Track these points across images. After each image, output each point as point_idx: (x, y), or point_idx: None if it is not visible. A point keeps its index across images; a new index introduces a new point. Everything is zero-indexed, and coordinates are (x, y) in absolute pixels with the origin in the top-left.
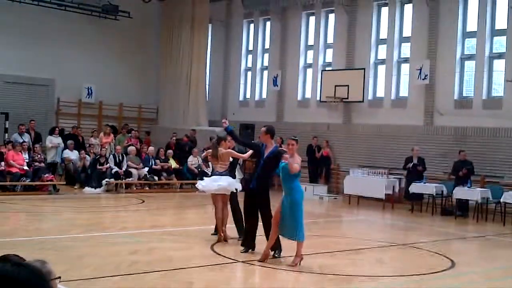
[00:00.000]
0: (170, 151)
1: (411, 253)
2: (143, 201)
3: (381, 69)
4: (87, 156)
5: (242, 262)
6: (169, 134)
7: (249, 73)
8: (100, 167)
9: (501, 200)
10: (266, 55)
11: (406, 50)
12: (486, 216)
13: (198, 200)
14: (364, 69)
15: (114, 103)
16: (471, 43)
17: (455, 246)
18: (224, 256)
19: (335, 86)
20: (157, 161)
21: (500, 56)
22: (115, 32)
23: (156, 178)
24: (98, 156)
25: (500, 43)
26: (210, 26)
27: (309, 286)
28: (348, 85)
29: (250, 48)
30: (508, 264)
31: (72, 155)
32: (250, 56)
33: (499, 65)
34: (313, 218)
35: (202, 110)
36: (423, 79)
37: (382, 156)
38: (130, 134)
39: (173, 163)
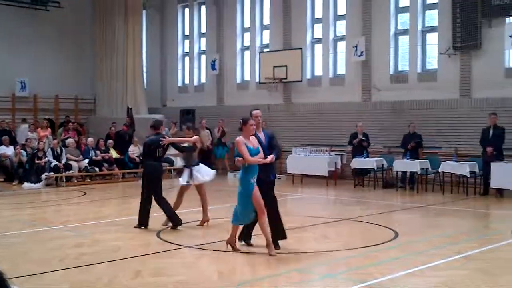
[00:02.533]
0: (110, 141)
1: (356, 227)
2: (85, 193)
3: (318, 48)
4: (22, 151)
5: (189, 247)
6: (108, 124)
7: (187, 58)
8: (39, 161)
9: (440, 170)
10: (203, 40)
11: (341, 28)
12: (426, 187)
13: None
14: (301, 48)
15: (50, 95)
16: (404, 18)
17: (398, 217)
18: (171, 243)
19: (274, 67)
20: (97, 152)
21: (432, 29)
22: (47, 23)
23: (97, 169)
24: (36, 151)
25: (432, 17)
26: (144, 12)
27: (257, 266)
28: (286, 66)
29: (187, 33)
30: (449, 231)
31: (8, 150)
32: (187, 41)
33: (432, 38)
34: None
35: (141, 98)
36: (359, 56)
37: (323, 134)
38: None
39: (114, 153)
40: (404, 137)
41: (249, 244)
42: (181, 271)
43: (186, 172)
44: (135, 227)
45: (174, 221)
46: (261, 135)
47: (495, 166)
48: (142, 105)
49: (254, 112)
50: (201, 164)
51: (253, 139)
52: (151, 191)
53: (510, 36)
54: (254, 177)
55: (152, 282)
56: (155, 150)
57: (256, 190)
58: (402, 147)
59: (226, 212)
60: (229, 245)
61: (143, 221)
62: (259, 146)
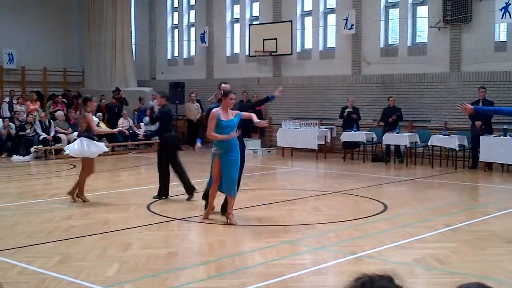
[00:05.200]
0: (99, 114)
1: (345, 200)
2: (75, 166)
3: (308, 20)
4: (11, 124)
5: (179, 219)
6: (97, 97)
7: (176, 31)
8: (23, 132)
9: (429, 143)
10: (192, 12)
11: (331, 0)
12: (415, 160)
13: (131, 161)
14: (291, 21)
15: (38, 68)
16: None
17: (387, 190)
18: (161, 215)
19: (264, 40)
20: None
21: (423, 2)
22: None
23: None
24: (24, 123)
25: None
26: None
27: (247, 239)
28: (276, 38)
29: (176, 5)
30: (437, 204)
31: None
32: (176, 14)
33: (423, 11)
34: (248, 172)
35: (130, 70)
36: (349, 29)
37: (313, 107)
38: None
39: (103, 126)
40: (384, 111)
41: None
42: (171, 243)
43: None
44: (154, 197)
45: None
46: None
47: (484, 140)
48: (131, 78)
49: (224, 85)
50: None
51: (230, 112)
52: (172, 162)
53: (500, 10)
54: (217, 148)
55: (142, 254)
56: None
57: (216, 160)
58: (382, 121)
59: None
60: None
61: (165, 192)
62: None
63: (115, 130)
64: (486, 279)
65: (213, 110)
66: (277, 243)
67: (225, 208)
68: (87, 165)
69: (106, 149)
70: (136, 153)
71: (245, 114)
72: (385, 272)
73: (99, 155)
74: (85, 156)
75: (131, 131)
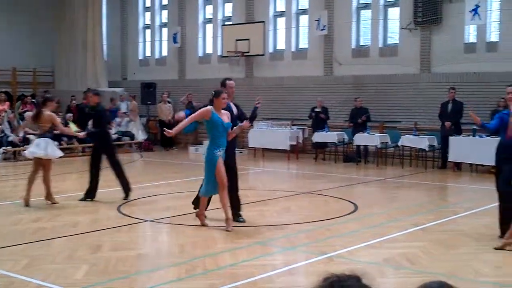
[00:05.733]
0: (69, 115)
1: (316, 200)
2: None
3: (281, 21)
4: None
5: (150, 221)
6: (68, 98)
7: (148, 31)
8: None
9: (399, 144)
10: (165, 12)
11: (304, 1)
12: (385, 160)
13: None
14: (264, 22)
15: (7, 68)
16: None
17: (357, 191)
18: (131, 217)
19: (236, 40)
20: None
21: (394, 4)
22: None
23: (56, 143)
24: None
25: None
26: None
27: (218, 240)
28: (248, 39)
29: (148, 5)
30: (407, 204)
31: None
32: (148, 14)
33: (394, 13)
34: None
35: (101, 71)
36: (321, 30)
37: (285, 108)
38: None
39: (73, 127)
40: (352, 112)
41: (241, 220)
42: (142, 245)
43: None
44: (80, 200)
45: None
46: (232, 105)
47: (453, 140)
48: (102, 78)
49: (229, 82)
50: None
51: (224, 113)
52: (111, 161)
53: (470, 12)
54: (220, 149)
55: (112, 256)
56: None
57: (219, 162)
58: (351, 122)
59: (187, 186)
60: (197, 218)
61: (93, 194)
62: (229, 121)
63: (81, 134)
64: (455, 278)
65: (209, 107)
66: (248, 244)
67: (197, 203)
68: (49, 166)
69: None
70: None
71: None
72: (354, 272)
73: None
74: (49, 157)
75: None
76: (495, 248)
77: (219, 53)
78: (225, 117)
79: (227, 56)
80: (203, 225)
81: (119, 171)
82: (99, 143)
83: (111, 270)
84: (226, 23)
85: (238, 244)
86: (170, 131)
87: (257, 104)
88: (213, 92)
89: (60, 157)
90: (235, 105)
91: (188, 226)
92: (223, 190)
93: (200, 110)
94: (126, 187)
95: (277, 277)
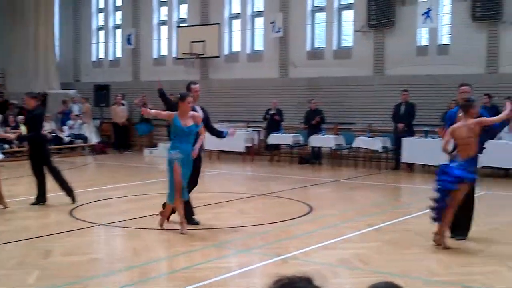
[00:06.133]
0: (21, 117)
1: (271, 202)
2: None
3: (236, 23)
4: None
5: (102, 225)
6: (19, 100)
7: (102, 32)
8: None
9: (353, 145)
10: (118, 13)
11: (259, 4)
12: (340, 162)
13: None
14: (219, 24)
15: None
16: None
17: (312, 192)
18: (84, 221)
19: (191, 42)
20: (7, 128)
21: (348, 7)
22: None
23: (6, 146)
24: None
25: None
26: None
27: (173, 243)
28: (204, 41)
29: (101, 5)
30: (361, 205)
31: None
32: (101, 15)
33: (348, 16)
34: None
35: (53, 72)
36: (276, 32)
37: (241, 110)
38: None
39: (24, 130)
40: (306, 114)
41: (194, 222)
42: (95, 249)
43: None
44: (31, 204)
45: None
46: (198, 109)
47: (406, 142)
48: (54, 80)
49: (194, 86)
50: None
51: (192, 115)
52: (47, 166)
53: (422, 15)
54: (176, 151)
55: (64, 261)
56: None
57: (176, 164)
58: (306, 124)
59: (142, 189)
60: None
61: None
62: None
63: (12, 136)
64: (408, 278)
65: (174, 112)
66: (203, 246)
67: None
68: None
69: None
70: (60, 157)
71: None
72: (305, 274)
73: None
74: None
75: (54, 134)
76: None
77: (174, 55)
78: (190, 120)
79: (182, 58)
80: (160, 226)
81: (56, 176)
82: (33, 147)
83: (64, 275)
84: (181, 24)
85: (193, 247)
86: (148, 110)
87: (231, 132)
88: (179, 96)
89: (1, 160)
90: (202, 108)
91: (142, 230)
92: (177, 193)
93: (167, 113)
94: (69, 191)
95: (232, 279)
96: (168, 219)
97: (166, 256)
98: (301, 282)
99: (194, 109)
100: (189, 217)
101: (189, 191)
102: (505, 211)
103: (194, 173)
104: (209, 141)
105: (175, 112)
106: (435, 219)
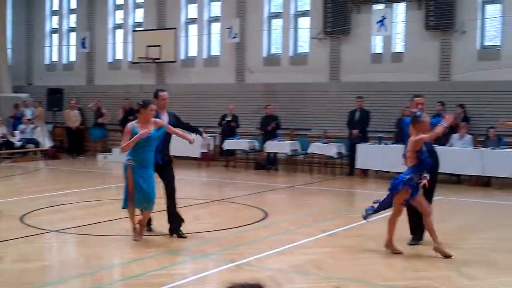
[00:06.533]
0: None
1: (227, 208)
2: None
3: (193, 28)
4: None
5: (54, 231)
6: None
7: (55, 35)
8: None
9: (309, 151)
10: (73, 16)
11: (216, 9)
12: (295, 168)
13: (4, 171)
14: (175, 28)
15: None
16: (277, 1)
17: (268, 198)
18: (35, 227)
19: (147, 46)
20: None
21: (304, 14)
22: None
23: None
24: None
25: (304, 1)
26: None
27: (126, 249)
28: (160, 45)
29: (55, 8)
30: (316, 210)
31: None
32: (55, 17)
33: (304, 22)
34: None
35: (5, 75)
36: (233, 38)
37: (197, 115)
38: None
39: None
40: (262, 119)
41: (149, 229)
42: (46, 256)
43: None
44: None
45: None
46: (165, 117)
47: (360, 148)
48: (6, 83)
49: (162, 94)
50: None
51: (154, 122)
52: None
53: (376, 23)
54: (131, 158)
55: (15, 269)
56: None
57: (129, 172)
58: (262, 129)
59: (95, 195)
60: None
61: None
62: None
63: None
64: (362, 283)
65: (129, 124)
66: (157, 253)
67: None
68: None
69: None
70: (11, 162)
71: (174, 130)
72: (256, 280)
73: None
74: None
75: (5, 139)
76: (445, 257)
77: (129, 59)
78: (152, 126)
79: (138, 63)
80: (139, 235)
81: None
82: None
83: (14, 283)
84: (137, 29)
85: (147, 253)
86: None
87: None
88: (141, 102)
89: None
90: (174, 115)
91: (95, 236)
92: (129, 203)
93: (124, 133)
94: None
95: (186, 286)
96: (140, 228)
97: (119, 263)
98: None
99: (158, 118)
100: (177, 226)
101: (170, 199)
102: (457, 217)
103: (170, 180)
104: None
105: (129, 126)
106: (369, 210)
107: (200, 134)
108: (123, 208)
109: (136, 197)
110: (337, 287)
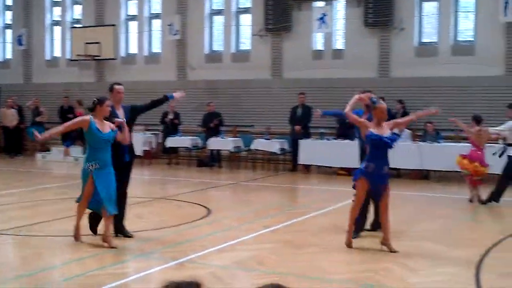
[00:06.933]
0: None
1: (169, 205)
2: None
3: (133, 25)
4: None
5: None
6: None
7: None
8: None
9: (252, 147)
10: (9, 13)
11: (156, 5)
12: (238, 164)
13: None
14: (115, 25)
15: None
16: None
17: (211, 195)
18: None
19: (86, 43)
20: None
21: (246, 11)
22: None
23: None
24: None
25: None
26: None
27: (65, 250)
28: (99, 42)
29: None
30: (259, 207)
31: None
32: None
33: (246, 19)
34: (69, 180)
35: None
36: (174, 35)
37: None
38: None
39: None
40: (204, 116)
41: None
42: None
43: None
44: None
45: None
46: (120, 112)
47: (302, 144)
48: None
49: (117, 87)
50: None
51: (108, 122)
52: None
53: (317, 20)
54: (94, 163)
55: None
56: None
57: (90, 179)
58: (204, 126)
59: (33, 195)
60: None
61: None
62: (116, 128)
63: None
64: (303, 278)
65: (86, 115)
66: (98, 252)
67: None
68: None
69: None
70: None
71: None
72: (194, 278)
73: None
74: None
75: None
76: (392, 252)
77: (68, 56)
78: (107, 126)
79: (77, 60)
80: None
81: None
82: None
83: None
84: (75, 25)
85: (88, 253)
86: (39, 135)
87: (178, 95)
88: (96, 100)
89: None
90: (129, 109)
91: (33, 237)
92: (84, 203)
93: (76, 119)
94: None
95: (128, 285)
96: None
97: (58, 264)
98: (189, 287)
99: (114, 113)
100: (121, 228)
101: (124, 198)
102: (397, 210)
103: (127, 181)
104: None
105: (86, 118)
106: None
107: (167, 98)
108: (77, 202)
109: (93, 199)
110: (276, 282)
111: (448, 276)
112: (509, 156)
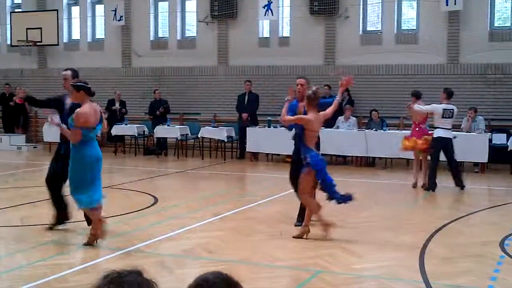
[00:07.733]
0: None
1: (115, 194)
2: None
3: (75, 10)
4: None
5: None
6: None
7: None
8: None
9: (199, 135)
10: None
11: None
12: (186, 152)
13: None
14: (57, 10)
15: None
16: None
17: (158, 183)
18: None
19: (27, 29)
20: None
21: None
22: None
23: None
24: None
25: None
26: None
27: (9, 240)
28: (41, 28)
29: None
30: (207, 194)
31: None
32: None
33: (191, 6)
34: (11, 169)
35: None
36: (118, 20)
37: None
38: None
39: None
40: (151, 104)
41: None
42: None
43: None
44: None
45: None
46: (68, 98)
47: (250, 131)
48: None
49: (64, 73)
50: None
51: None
52: None
53: (263, 7)
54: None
55: None
56: None
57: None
58: (151, 114)
59: None
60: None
61: None
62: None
63: None
64: (252, 264)
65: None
66: (42, 243)
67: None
68: None
69: None
70: None
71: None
72: (135, 267)
73: None
74: None
75: None
76: (294, 237)
77: (8, 42)
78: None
79: (18, 46)
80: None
81: None
82: None
83: None
84: (16, 10)
85: (31, 244)
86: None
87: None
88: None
89: None
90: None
91: None
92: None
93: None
94: None
95: (72, 276)
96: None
97: (3, 254)
98: (131, 275)
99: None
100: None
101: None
102: None
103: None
104: (48, 134)
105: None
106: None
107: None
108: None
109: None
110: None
111: (393, 262)
112: (433, 138)
